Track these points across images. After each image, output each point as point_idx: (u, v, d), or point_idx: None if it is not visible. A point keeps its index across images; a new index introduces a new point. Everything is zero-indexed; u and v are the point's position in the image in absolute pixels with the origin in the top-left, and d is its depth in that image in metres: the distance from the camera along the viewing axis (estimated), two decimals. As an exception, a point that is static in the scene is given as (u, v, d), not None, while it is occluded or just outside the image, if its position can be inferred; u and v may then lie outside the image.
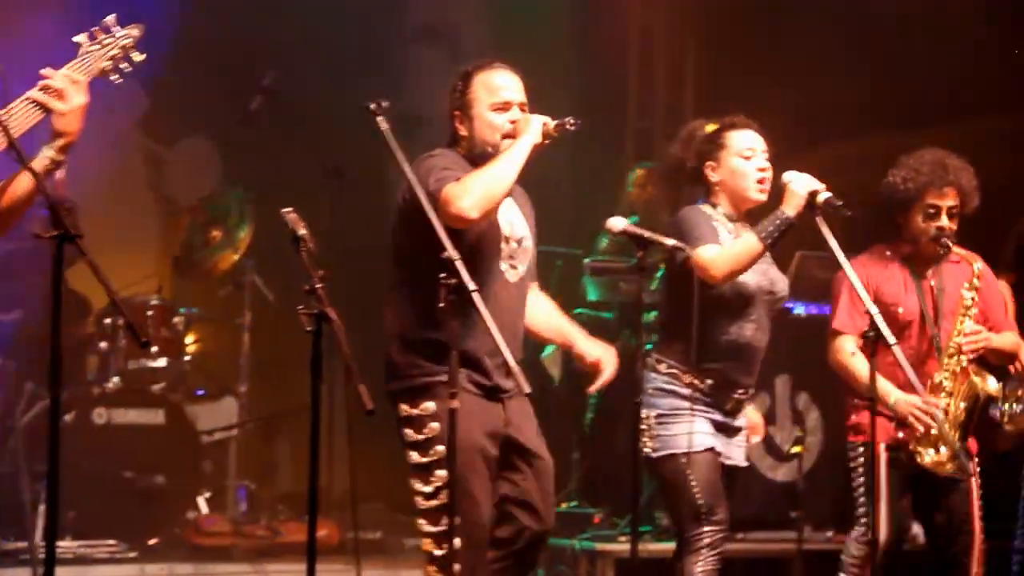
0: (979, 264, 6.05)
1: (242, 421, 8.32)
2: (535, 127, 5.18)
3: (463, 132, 5.34)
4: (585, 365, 5.49)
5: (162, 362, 7.86)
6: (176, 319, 8.01)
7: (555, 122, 5.21)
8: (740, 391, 5.67)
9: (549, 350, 8.81)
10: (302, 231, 4.88)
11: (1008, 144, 6.48)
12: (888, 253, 6.18)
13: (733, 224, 5.67)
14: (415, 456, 5.08)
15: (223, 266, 8.55)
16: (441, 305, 4.86)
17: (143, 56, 4.41)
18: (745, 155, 5.64)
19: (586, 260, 8.72)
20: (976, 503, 6.07)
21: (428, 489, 5.06)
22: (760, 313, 5.67)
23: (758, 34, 9.80)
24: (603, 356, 5.44)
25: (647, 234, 5.56)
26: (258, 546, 7.56)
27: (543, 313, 5.61)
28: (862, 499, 6.08)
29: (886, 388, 5.86)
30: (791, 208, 5.44)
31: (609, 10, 10.38)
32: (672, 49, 10.76)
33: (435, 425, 5.05)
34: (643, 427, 5.63)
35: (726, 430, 5.70)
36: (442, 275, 4.80)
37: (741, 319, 5.62)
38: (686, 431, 5.57)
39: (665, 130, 10.22)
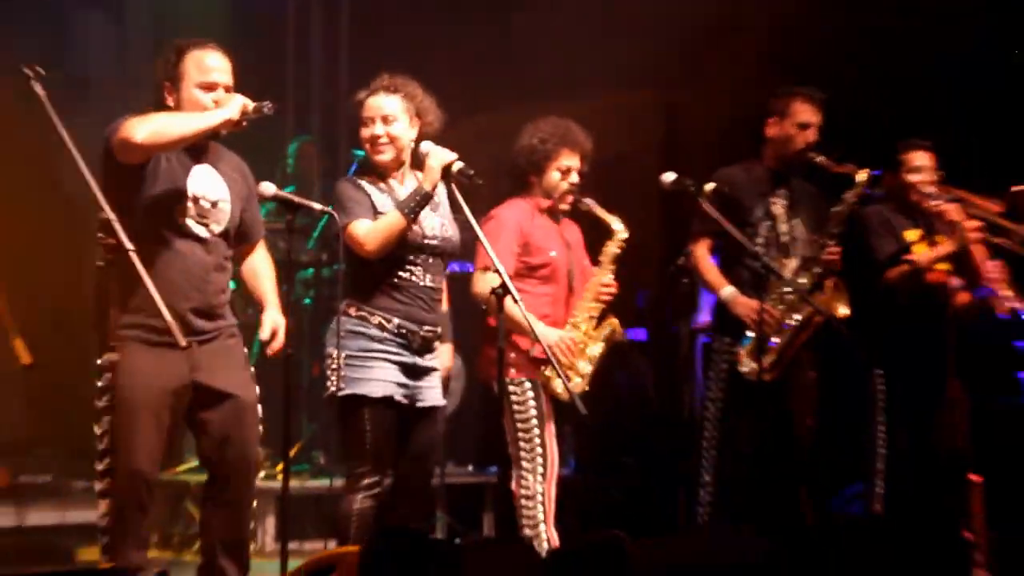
0: (620, 224, 6.54)
1: None
2: (234, 105, 5.42)
3: (170, 103, 5.56)
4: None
5: None
6: None
7: (254, 104, 5.44)
8: (426, 328, 5.93)
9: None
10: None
11: (623, 118, 6.88)
12: (528, 205, 6.57)
13: (382, 185, 5.98)
14: (96, 402, 5.39)
15: None
16: (100, 264, 5.25)
17: None
18: (365, 123, 5.96)
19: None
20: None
21: (97, 432, 5.37)
22: (425, 257, 5.94)
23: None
24: (275, 331, 5.78)
25: (296, 199, 5.91)
26: None
27: (252, 273, 5.98)
28: (532, 433, 6.35)
29: (530, 320, 6.05)
30: (428, 183, 5.80)
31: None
32: (327, 25, 10.90)
33: (109, 375, 5.35)
34: (333, 366, 5.81)
35: (416, 372, 5.93)
36: (99, 234, 5.13)
37: (408, 263, 5.90)
38: (369, 376, 5.81)
39: (321, 104, 10.55)
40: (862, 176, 6.94)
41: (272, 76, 10.42)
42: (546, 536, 6.19)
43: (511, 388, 6.38)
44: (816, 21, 9.04)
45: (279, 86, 10.62)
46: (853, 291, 7.01)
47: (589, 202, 6.55)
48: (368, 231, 5.81)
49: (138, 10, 9.81)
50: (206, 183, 5.62)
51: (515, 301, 5.62)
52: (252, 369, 5.81)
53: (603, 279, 6.50)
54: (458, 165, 5.84)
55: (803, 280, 6.96)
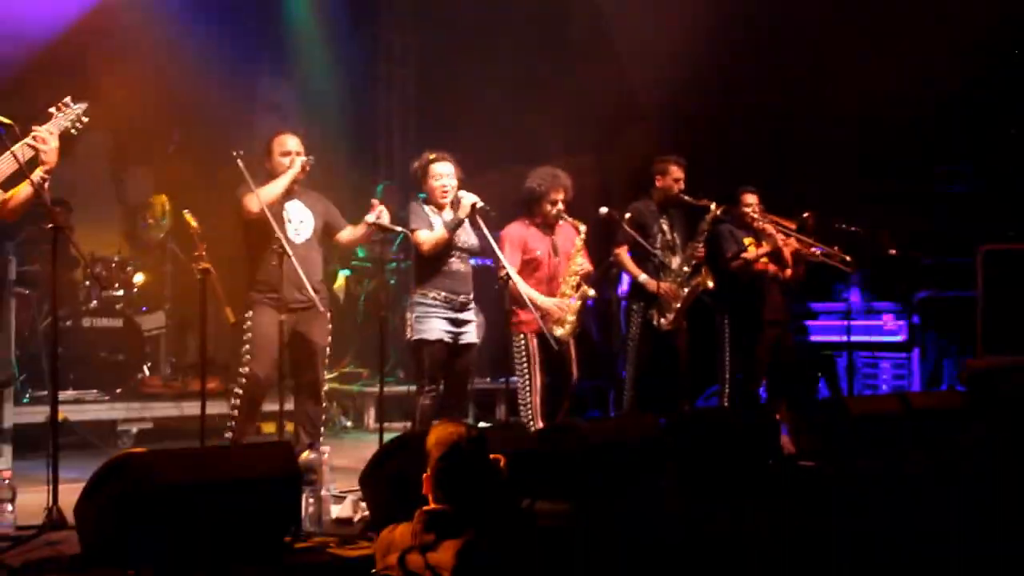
0: (584, 227, 6.34)
1: (166, 324, 8.24)
2: (297, 165, 5.74)
3: (268, 167, 5.82)
4: None
5: (120, 292, 7.77)
6: (129, 268, 7.91)
7: (306, 160, 5.76)
8: (462, 296, 5.88)
9: (339, 282, 9.04)
10: (194, 223, 5.36)
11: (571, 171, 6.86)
12: (527, 222, 6.40)
13: (438, 212, 5.91)
14: (242, 336, 5.71)
15: (155, 239, 8.51)
16: (275, 263, 5.46)
17: (87, 119, 4.67)
18: (437, 178, 5.93)
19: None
20: (574, 359, 6.37)
21: (242, 351, 5.70)
22: (459, 255, 5.90)
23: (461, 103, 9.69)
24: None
25: (385, 224, 5.82)
26: (178, 393, 7.56)
27: (345, 233, 6.05)
28: (525, 366, 6.20)
29: (533, 295, 6.14)
30: (462, 213, 5.80)
31: (362, 90, 10.28)
32: (402, 112, 10.66)
33: (250, 323, 5.64)
34: (408, 322, 5.85)
35: (458, 323, 5.87)
36: (273, 246, 5.46)
37: (450, 259, 5.86)
38: (428, 327, 5.78)
39: (399, 160, 10.34)
40: (713, 207, 6.95)
41: (367, 143, 10.37)
42: (534, 425, 6.11)
43: (515, 339, 6.27)
44: (690, 109, 8.99)
45: (373, 149, 10.52)
46: (714, 273, 7.03)
47: (565, 217, 6.39)
48: (426, 238, 5.82)
49: (295, 111, 9.68)
50: (295, 210, 5.84)
51: (514, 284, 5.74)
52: (329, 326, 5.90)
53: (577, 260, 6.34)
54: (480, 204, 5.84)
55: (686, 268, 6.94)
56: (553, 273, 6.38)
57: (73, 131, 4.62)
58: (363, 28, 10.23)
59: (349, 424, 8.44)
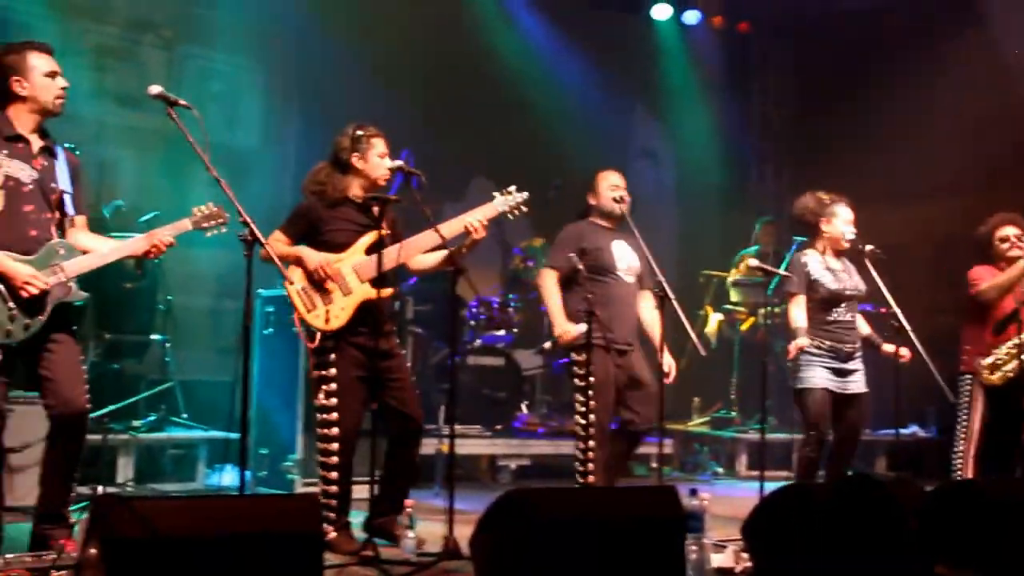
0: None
1: (543, 364, 8.30)
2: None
3: (594, 204, 5.78)
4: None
5: (500, 333, 7.98)
6: (510, 308, 8.08)
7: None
8: (848, 346, 5.65)
9: (710, 326, 8.95)
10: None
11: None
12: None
13: (829, 259, 5.74)
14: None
15: (533, 280, 8.35)
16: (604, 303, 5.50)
17: (526, 208, 5.09)
18: (846, 222, 5.72)
19: (730, 279, 8.78)
20: None
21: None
22: (850, 304, 5.69)
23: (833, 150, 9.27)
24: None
25: (767, 267, 5.78)
26: (554, 431, 7.73)
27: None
28: (965, 409, 5.84)
29: None
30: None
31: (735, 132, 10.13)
32: (775, 148, 10.44)
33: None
34: (792, 369, 5.68)
35: (843, 372, 5.66)
36: None
37: (838, 307, 5.67)
38: (810, 375, 5.61)
39: (776, 198, 10.10)
40: None
41: (741, 183, 10.14)
42: (963, 475, 5.70)
43: (960, 380, 5.91)
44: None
45: (747, 190, 10.24)
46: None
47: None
48: (794, 314, 5.67)
49: (668, 156, 9.86)
50: (621, 250, 5.70)
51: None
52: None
53: None
54: (869, 247, 5.62)
55: None
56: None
57: (510, 216, 5.05)
58: (735, 76, 10.26)
59: (720, 470, 8.33)
